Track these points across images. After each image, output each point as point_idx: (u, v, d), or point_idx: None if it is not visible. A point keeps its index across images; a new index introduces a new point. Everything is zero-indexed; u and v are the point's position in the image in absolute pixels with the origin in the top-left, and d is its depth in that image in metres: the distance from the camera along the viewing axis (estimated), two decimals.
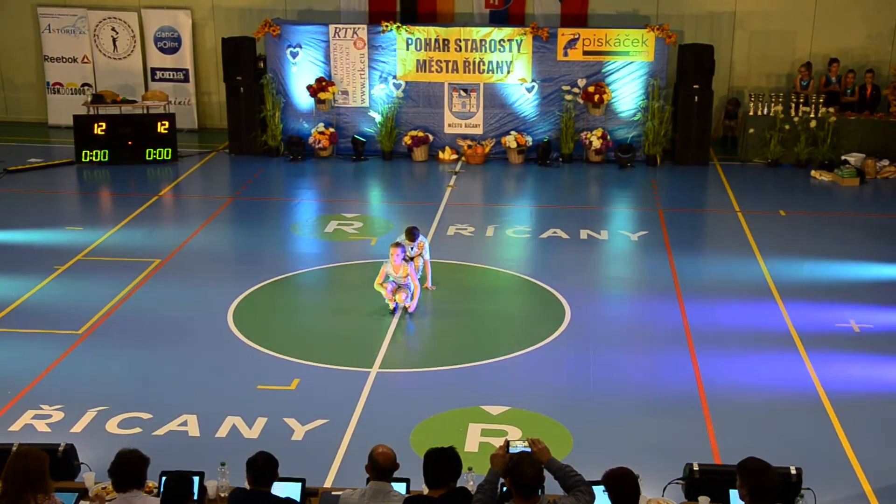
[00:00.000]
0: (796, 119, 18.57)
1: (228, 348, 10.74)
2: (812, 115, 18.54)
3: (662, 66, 18.66)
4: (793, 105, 18.76)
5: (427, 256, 12.42)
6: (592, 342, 10.92)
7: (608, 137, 18.79)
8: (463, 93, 19.17)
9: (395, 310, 11.56)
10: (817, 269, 13.18)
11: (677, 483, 7.08)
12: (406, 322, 11.42)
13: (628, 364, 10.41)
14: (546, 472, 5.83)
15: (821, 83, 19.41)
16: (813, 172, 18.04)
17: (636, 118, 18.85)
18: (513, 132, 19.01)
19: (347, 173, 18.59)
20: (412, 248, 12.31)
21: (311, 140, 19.22)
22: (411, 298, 11.50)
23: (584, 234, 14.78)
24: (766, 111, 18.86)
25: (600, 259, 13.91)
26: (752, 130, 18.87)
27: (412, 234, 12.29)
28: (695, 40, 19.44)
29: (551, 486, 6.09)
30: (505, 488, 5.89)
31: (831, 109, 18.56)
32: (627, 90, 18.78)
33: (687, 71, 18.50)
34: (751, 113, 18.93)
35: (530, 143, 19.00)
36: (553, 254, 13.94)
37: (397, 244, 11.62)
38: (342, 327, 11.36)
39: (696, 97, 18.51)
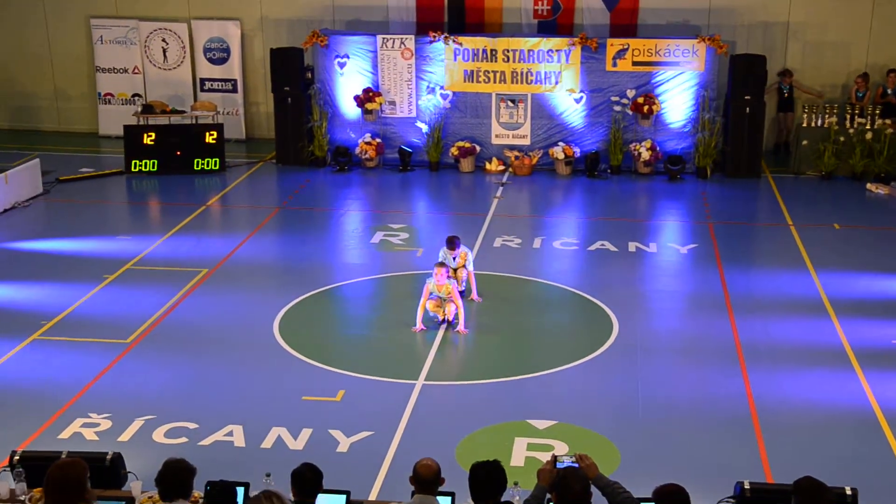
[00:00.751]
0: (851, 131, 18.31)
1: (274, 359, 10.79)
2: (868, 127, 18.26)
3: (713, 76, 18.50)
4: (848, 116, 18.50)
5: (470, 267, 12.41)
6: (641, 356, 10.83)
7: (657, 149, 18.65)
8: (510, 103, 19.15)
9: (441, 322, 11.56)
10: (873, 284, 12.96)
11: (728, 502, 6.99)
12: (452, 334, 11.41)
13: (678, 379, 10.30)
14: (593, 489, 5.77)
15: (877, 94, 19.12)
16: (869, 185, 17.76)
17: (686, 129, 18.71)
18: (560, 143, 18.95)
19: (394, 184, 18.64)
20: (454, 259, 12.29)
21: (357, 150, 19.30)
22: (456, 318, 11.49)
23: (632, 246, 14.69)
24: (820, 122, 18.61)
25: (649, 272, 13.80)
26: (805, 142, 18.62)
27: (453, 244, 12.28)
28: (747, 51, 19.25)
29: (599, 502, 6.04)
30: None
31: (888, 121, 18.27)
32: (677, 101, 18.63)
33: (738, 82, 18.33)
34: (804, 124, 18.70)
35: (578, 155, 18.92)
36: (601, 266, 13.87)
37: (441, 264, 11.63)
38: (388, 339, 11.38)
39: (748, 108, 18.33)
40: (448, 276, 11.59)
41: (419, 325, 11.45)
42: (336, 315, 12.30)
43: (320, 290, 12.88)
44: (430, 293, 11.46)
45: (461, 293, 11.97)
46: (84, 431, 9.26)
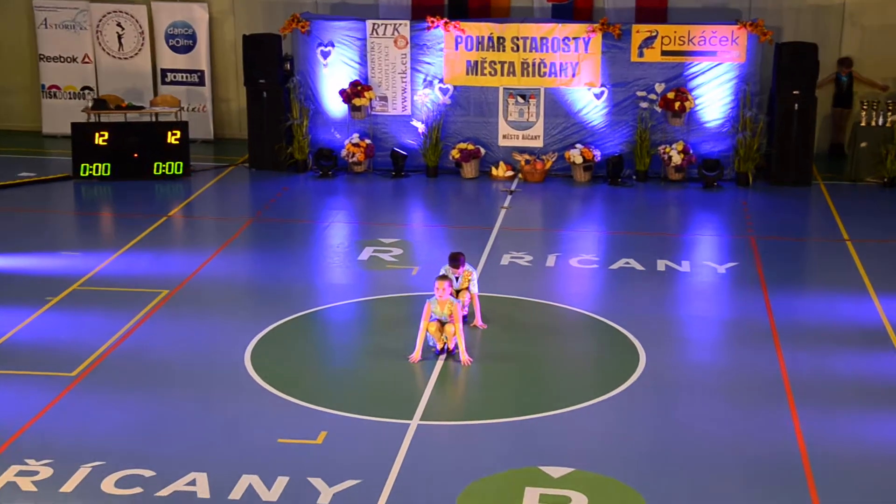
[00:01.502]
0: None
1: (245, 395, 10.76)
2: None
3: (756, 68, 18.52)
4: None
5: (475, 289, 12.41)
6: (672, 393, 10.79)
7: (691, 152, 18.66)
8: (520, 99, 19.17)
9: (440, 351, 11.53)
10: None
11: None
12: (452, 366, 11.37)
13: (715, 420, 10.26)
14: None
15: None
16: None
17: (724, 130, 18.72)
18: (578, 145, 18.96)
19: (385, 192, 18.62)
20: (456, 279, 12.28)
21: (343, 153, 19.32)
22: (457, 347, 11.46)
23: (661, 265, 14.67)
24: (881, 121, 18.61)
25: (681, 295, 13.79)
26: (864, 144, 18.63)
27: (457, 261, 12.27)
28: (795, 38, 19.28)
29: None
30: None
31: None
32: (714, 97, 18.65)
33: (785, 74, 18.34)
34: (863, 123, 18.70)
35: (599, 159, 18.93)
36: (625, 288, 13.85)
37: (444, 277, 11.61)
38: (378, 371, 11.35)
39: (797, 105, 18.34)
40: (450, 293, 11.60)
41: (417, 353, 11.43)
42: (317, 344, 12.27)
43: (299, 314, 12.85)
44: (432, 315, 11.44)
45: (463, 318, 11.95)
46: (19, 481, 9.19)
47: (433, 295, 11.48)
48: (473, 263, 14.04)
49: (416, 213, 18.03)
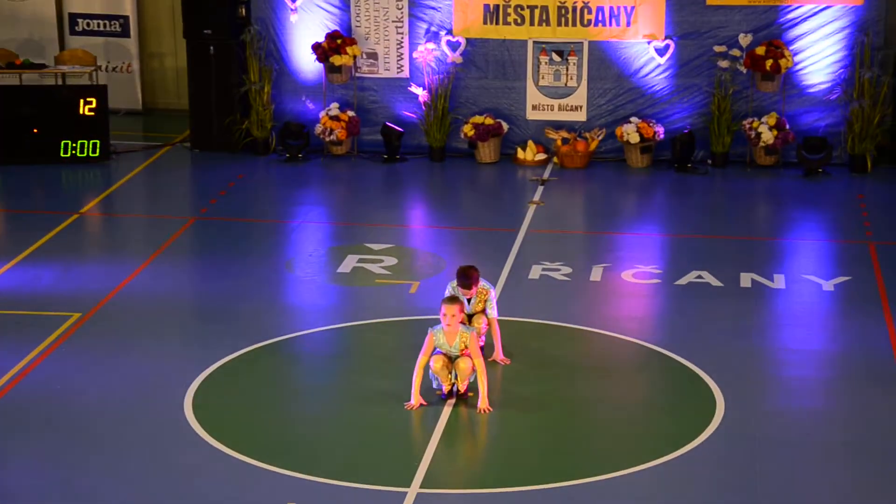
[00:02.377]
0: None
1: (185, 454, 10.73)
2: None
3: (878, 13, 18.52)
4: None
5: (493, 313, 12.36)
6: (760, 453, 10.75)
7: (787, 128, 18.67)
8: (556, 56, 19.20)
9: (447, 394, 11.53)
10: None
11: None
12: (464, 415, 11.39)
13: (821, 490, 10.24)
14: None
15: None
16: None
17: (833, 97, 18.73)
18: (634, 119, 18.98)
19: (374, 181, 18.63)
20: (468, 301, 12.25)
21: (318, 130, 19.35)
22: (472, 388, 11.45)
23: (746, 279, 14.68)
24: None
25: (772, 320, 13.78)
26: None
27: (468, 278, 12.19)
28: None
29: None
30: None
31: None
32: (819, 52, 18.67)
33: None
34: None
35: (662, 137, 18.95)
36: (697, 311, 13.84)
37: (452, 300, 11.54)
38: (364, 423, 11.32)
39: None
40: (463, 322, 11.57)
41: (415, 399, 11.43)
42: (283, 386, 12.25)
43: (258, 346, 12.83)
44: (436, 348, 11.43)
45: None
46: None
47: (439, 324, 11.44)
48: (492, 279, 14.06)
49: (416, 209, 18.04)
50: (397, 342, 12.87)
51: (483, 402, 11.41)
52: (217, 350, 12.67)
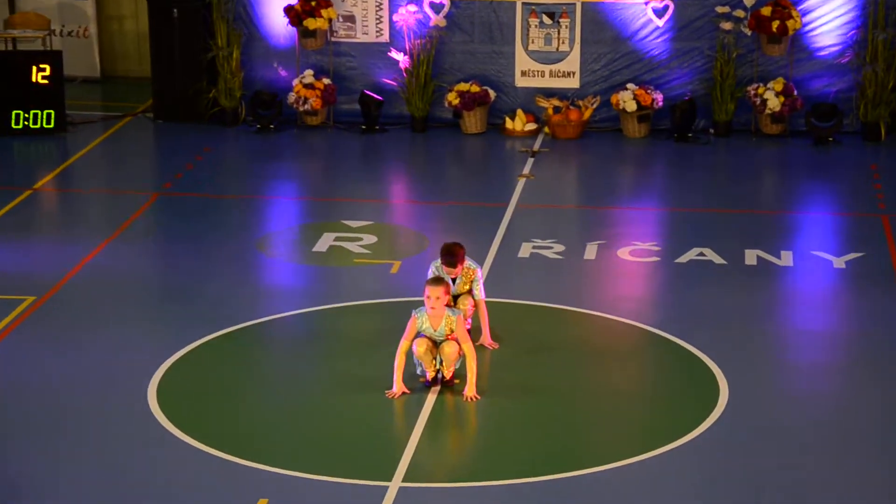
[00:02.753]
0: None
1: (149, 447, 10.74)
2: None
3: None
4: None
5: (481, 294, 12.40)
6: (766, 442, 10.83)
7: (795, 94, 18.74)
8: (547, 19, 19.22)
9: (432, 381, 11.62)
10: None
11: None
12: (450, 403, 11.45)
13: (831, 481, 10.30)
14: None
15: None
16: None
17: (844, 60, 18.82)
18: (631, 86, 19.04)
19: (352, 154, 18.63)
20: (454, 281, 12.24)
21: (291, 98, 19.38)
22: (458, 375, 11.52)
23: (751, 256, 14.78)
24: None
25: (780, 300, 13.87)
26: None
27: (452, 257, 12.19)
28: None
29: None
30: None
31: None
32: (829, 12, 18.73)
33: None
34: None
35: (661, 104, 19.04)
36: (699, 291, 13.93)
37: (437, 281, 11.58)
38: (342, 413, 11.36)
39: None
40: (449, 304, 11.58)
41: (398, 387, 11.51)
42: (255, 373, 12.27)
43: (227, 330, 12.88)
44: (420, 332, 11.46)
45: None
46: None
47: (423, 306, 11.45)
48: (479, 258, 14.11)
49: (397, 184, 18.05)
50: (377, 326, 12.94)
51: (470, 390, 11.44)
52: (183, 335, 12.71)
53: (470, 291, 12.40)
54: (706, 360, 12.24)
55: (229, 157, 18.54)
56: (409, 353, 11.52)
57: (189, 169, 17.83)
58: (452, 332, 11.42)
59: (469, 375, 11.47)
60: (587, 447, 10.84)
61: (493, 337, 12.57)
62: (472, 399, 11.45)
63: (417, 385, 11.61)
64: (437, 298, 11.33)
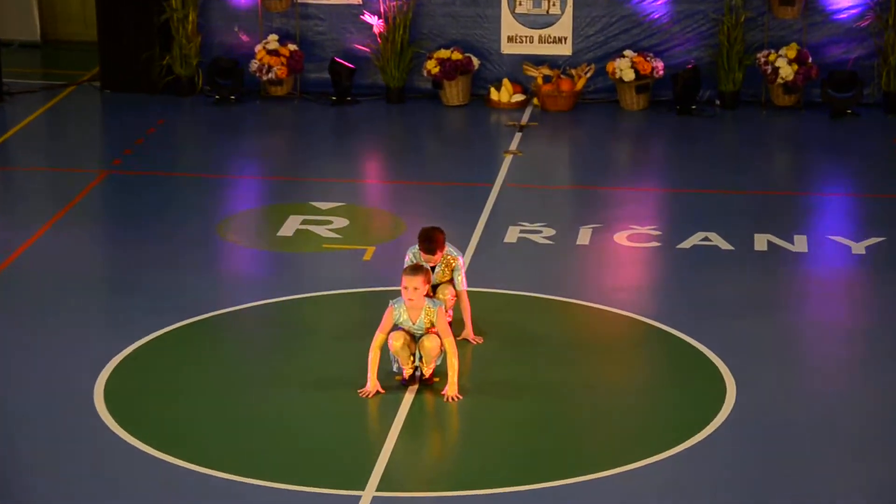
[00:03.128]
0: None
1: (95, 452, 10.71)
2: None
3: None
4: None
5: (462, 284, 12.38)
6: (776, 444, 10.83)
7: (809, 61, 18.74)
8: None
9: (409, 379, 11.58)
10: None
11: None
12: (429, 404, 11.43)
13: (847, 484, 10.30)
14: None
15: None
16: None
17: (864, 24, 18.82)
18: (628, 53, 19.03)
19: (321, 127, 18.59)
20: (433, 269, 12.21)
21: (253, 66, 19.33)
22: (436, 375, 11.49)
23: (761, 241, 14.80)
24: None
25: (793, 289, 13.88)
26: None
27: (431, 242, 12.17)
28: None
29: None
30: None
31: None
32: None
33: None
34: None
35: (661, 73, 19.02)
36: (704, 279, 13.94)
37: (415, 269, 11.51)
38: (309, 415, 11.36)
39: None
40: (429, 294, 11.59)
41: (372, 384, 11.46)
42: (213, 371, 12.23)
43: (182, 323, 12.86)
44: (396, 325, 11.43)
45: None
46: None
47: (400, 298, 11.41)
48: (462, 243, 14.12)
49: (370, 161, 18.03)
50: (349, 319, 12.94)
51: (451, 389, 11.44)
52: (133, 329, 12.67)
53: (450, 281, 12.39)
54: (711, 356, 12.25)
55: (185, 132, 18.50)
56: (385, 349, 11.49)
57: (140, 144, 17.78)
58: (433, 325, 11.43)
59: (450, 373, 11.46)
60: (580, 452, 10.84)
61: (477, 331, 12.55)
62: (453, 399, 11.44)
63: (393, 384, 11.60)
64: (416, 289, 11.29)
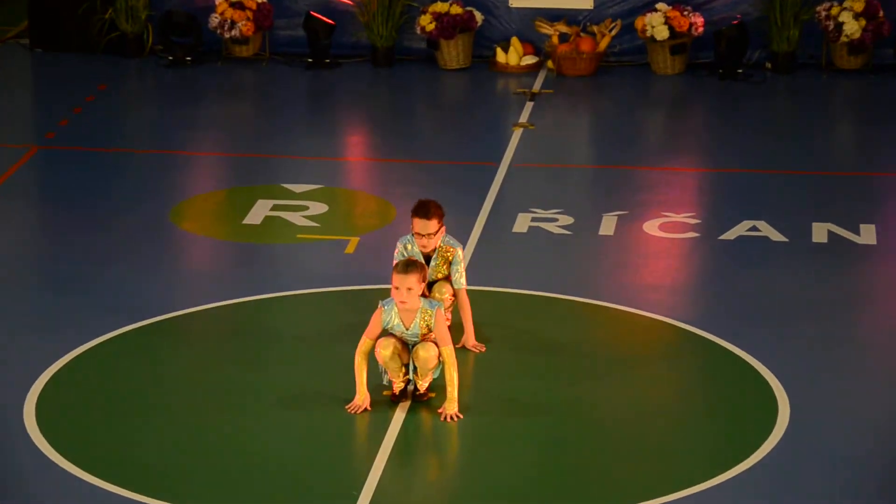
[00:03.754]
0: None
1: (24, 480, 10.70)
2: None
3: None
4: None
5: (462, 281, 12.31)
6: (833, 477, 10.79)
7: (881, 15, 18.71)
8: None
9: (399, 395, 11.51)
10: None
11: None
12: (424, 423, 11.40)
13: None
14: None
15: None
16: None
17: None
18: (661, 6, 19.01)
19: (294, 95, 18.61)
20: (428, 261, 12.13)
21: (214, 22, 19.31)
22: (432, 386, 11.46)
23: (820, 232, 14.79)
24: None
25: (858, 290, 13.85)
26: None
27: (426, 211, 12.00)
28: None
29: None
30: None
31: None
32: None
33: None
34: None
35: (700, 31, 19.00)
36: (751, 277, 13.93)
37: (408, 267, 11.35)
38: (283, 436, 11.31)
39: None
40: (425, 294, 11.50)
41: (361, 397, 11.41)
42: (168, 384, 12.20)
43: (130, 327, 12.84)
44: (387, 330, 11.39)
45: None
46: None
47: (391, 298, 11.34)
48: (461, 233, 14.04)
49: (353, 135, 18.04)
50: (328, 323, 12.92)
51: (451, 406, 11.39)
52: (71, 334, 12.64)
53: (448, 278, 12.33)
54: (760, 369, 12.22)
55: (132, 99, 18.50)
56: (372, 357, 11.42)
57: (77, 114, 17.76)
58: (430, 330, 11.36)
59: (448, 387, 11.40)
60: (602, 482, 10.82)
61: (479, 337, 12.53)
62: (452, 418, 11.41)
63: (382, 399, 11.54)
64: (410, 290, 11.19)
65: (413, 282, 11.16)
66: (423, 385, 11.52)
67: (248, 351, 12.78)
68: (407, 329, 11.37)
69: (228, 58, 19.48)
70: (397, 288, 11.17)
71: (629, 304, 13.35)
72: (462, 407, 11.44)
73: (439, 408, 11.44)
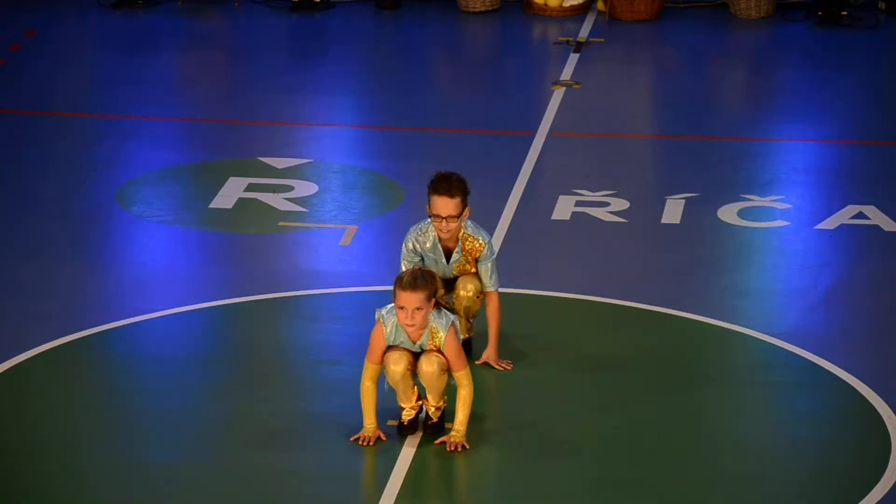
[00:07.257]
0: None
1: None
2: None
3: None
4: None
5: (490, 282, 12.28)
6: None
7: None
8: None
9: (408, 424, 11.62)
10: None
11: None
12: (434, 458, 11.46)
13: None
14: None
15: None
16: None
17: None
18: None
19: (275, 45, 18.78)
20: (449, 257, 12.25)
21: None
22: (441, 410, 11.49)
23: None
24: None
25: None
26: None
27: (447, 187, 11.90)
28: None
29: None
30: None
31: None
32: None
33: None
34: None
35: None
36: (856, 277, 14.06)
37: (416, 282, 11.12)
38: (271, 474, 11.28)
39: None
40: (439, 304, 11.46)
41: (370, 428, 11.46)
42: (121, 408, 12.23)
43: (70, 338, 12.93)
44: (390, 344, 11.45)
45: (465, 344, 12.04)
46: None
47: (391, 307, 11.29)
48: (491, 218, 14.29)
49: (349, 97, 18.21)
50: (320, 331, 13.06)
51: (457, 434, 11.40)
52: (8, 344, 12.75)
53: (475, 275, 12.33)
54: (868, 395, 12.28)
55: (69, 50, 18.64)
56: (381, 379, 11.42)
57: (2, 64, 17.90)
58: (439, 348, 11.33)
59: (459, 411, 11.39)
60: None
61: (507, 351, 12.59)
62: (458, 448, 11.44)
63: (391, 433, 11.54)
64: (418, 310, 11.14)
65: (421, 300, 11.05)
66: (432, 407, 11.52)
67: (217, 367, 12.85)
68: (414, 343, 11.34)
69: (193, 1, 19.65)
70: (402, 308, 11.08)
71: (702, 312, 13.47)
72: (473, 434, 11.45)
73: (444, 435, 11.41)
